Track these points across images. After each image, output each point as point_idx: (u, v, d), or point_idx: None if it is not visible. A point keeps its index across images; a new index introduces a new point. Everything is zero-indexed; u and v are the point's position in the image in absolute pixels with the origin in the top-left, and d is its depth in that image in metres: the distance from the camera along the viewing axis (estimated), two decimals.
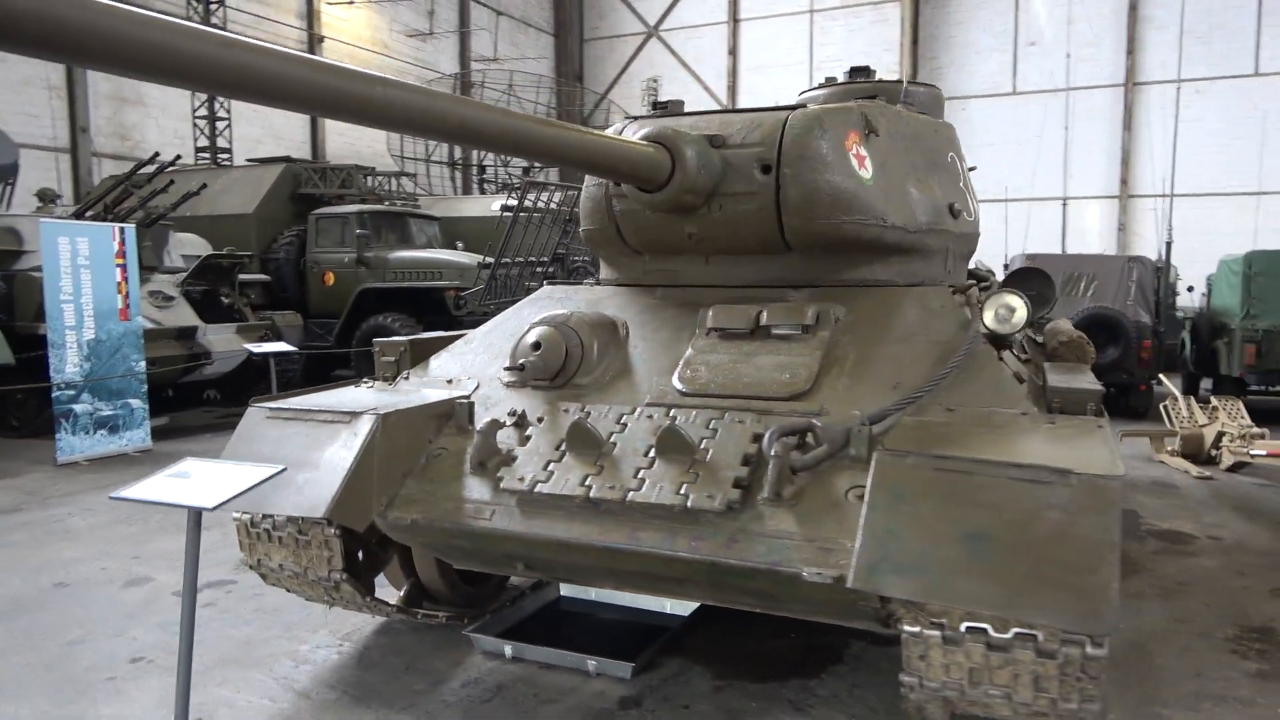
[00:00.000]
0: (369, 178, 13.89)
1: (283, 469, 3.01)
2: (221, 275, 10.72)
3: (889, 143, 3.99)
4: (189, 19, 15.42)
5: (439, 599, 4.18)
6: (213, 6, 15.42)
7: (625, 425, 3.26)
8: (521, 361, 3.61)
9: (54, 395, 7.78)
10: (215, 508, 2.75)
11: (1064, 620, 2.24)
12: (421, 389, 3.83)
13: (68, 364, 7.86)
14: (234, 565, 4.67)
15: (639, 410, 3.32)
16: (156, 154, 10.46)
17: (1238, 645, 4.00)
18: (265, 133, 18.16)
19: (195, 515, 2.89)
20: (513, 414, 3.45)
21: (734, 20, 25.61)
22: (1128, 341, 10.01)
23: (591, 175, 3.88)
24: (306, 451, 3.26)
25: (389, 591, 3.88)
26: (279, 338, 10.67)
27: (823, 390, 3.27)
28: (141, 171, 10.24)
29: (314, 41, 19.04)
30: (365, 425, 3.24)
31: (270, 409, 3.48)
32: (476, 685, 3.55)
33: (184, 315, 9.96)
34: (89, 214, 10.18)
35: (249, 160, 14.41)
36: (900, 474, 2.54)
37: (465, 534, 3.21)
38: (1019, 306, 3.46)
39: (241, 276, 11.22)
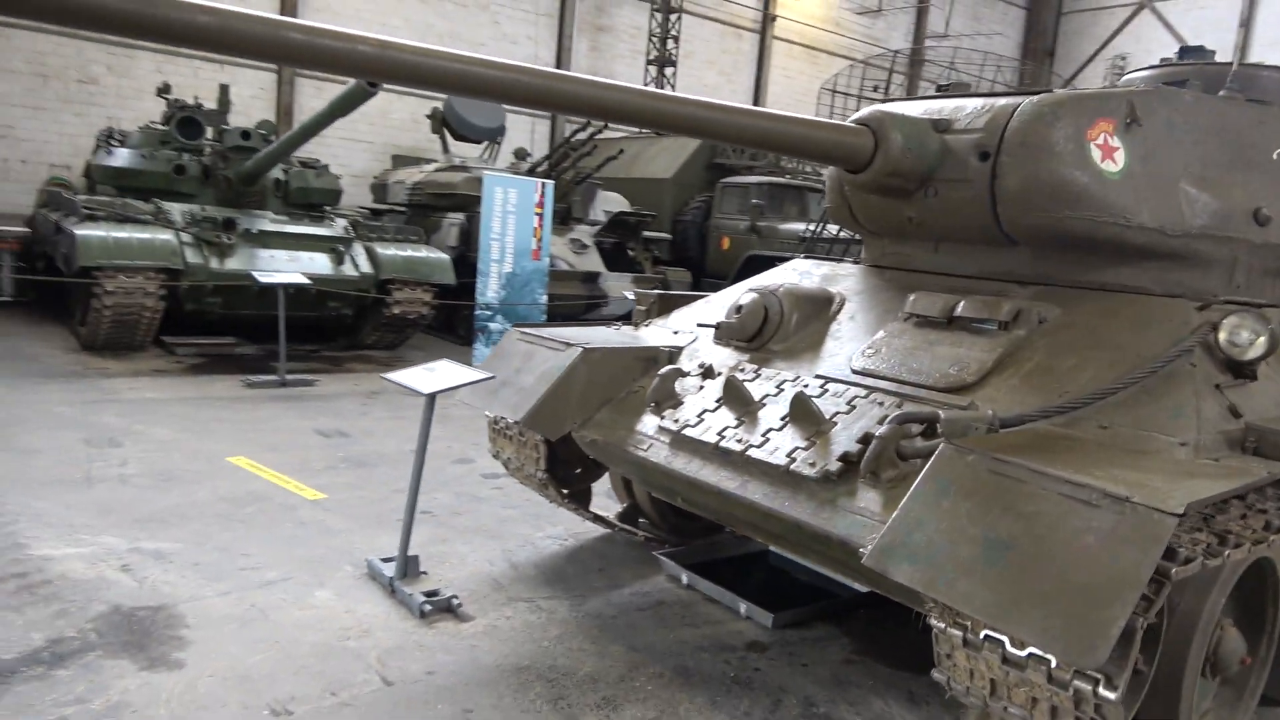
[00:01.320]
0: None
1: (490, 376, 3.79)
2: (629, 230, 12.22)
3: (1164, 133, 3.55)
4: None
5: (651, 521, 4.76)
6: None
7: (782, 390, 3.48)
8: (718, 321, 3.98)
9: (476, 313, 9.72)
10: (429, 394, 3.60)
11: (1047, 642, 2.10)
12: (648, 334, 4.36)
13: (489, 290, 9.74)
14: None
15: (801, 379, 3.51)
16: (588, 122, 12.16)
17: None
18: None
19: (430, 399, 3.78)
20: (702, 366, 3.84)
21: None
22: None
23: (786, 156, 4.05)
24: (531, 369, 3.98)
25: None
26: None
27: (986, 388, 3.17)
28: (578, 136, 12.02)
29: (766, 20, 20.15)
30: (571, 356, 3.87)
31: (520, 333, 4.27)
32: (643, 597, 4.06)
33: (592, 261, 11.62)
34: (539, 170, 12.25)
35: None
36: (954, 469, 2.50)
37: (628, 459, 3.70)
38: (1261, 333, 3.00)
39: (647, 234, 12.66)
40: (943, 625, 2.47)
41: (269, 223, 9.14)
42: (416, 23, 15.88)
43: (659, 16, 17.34)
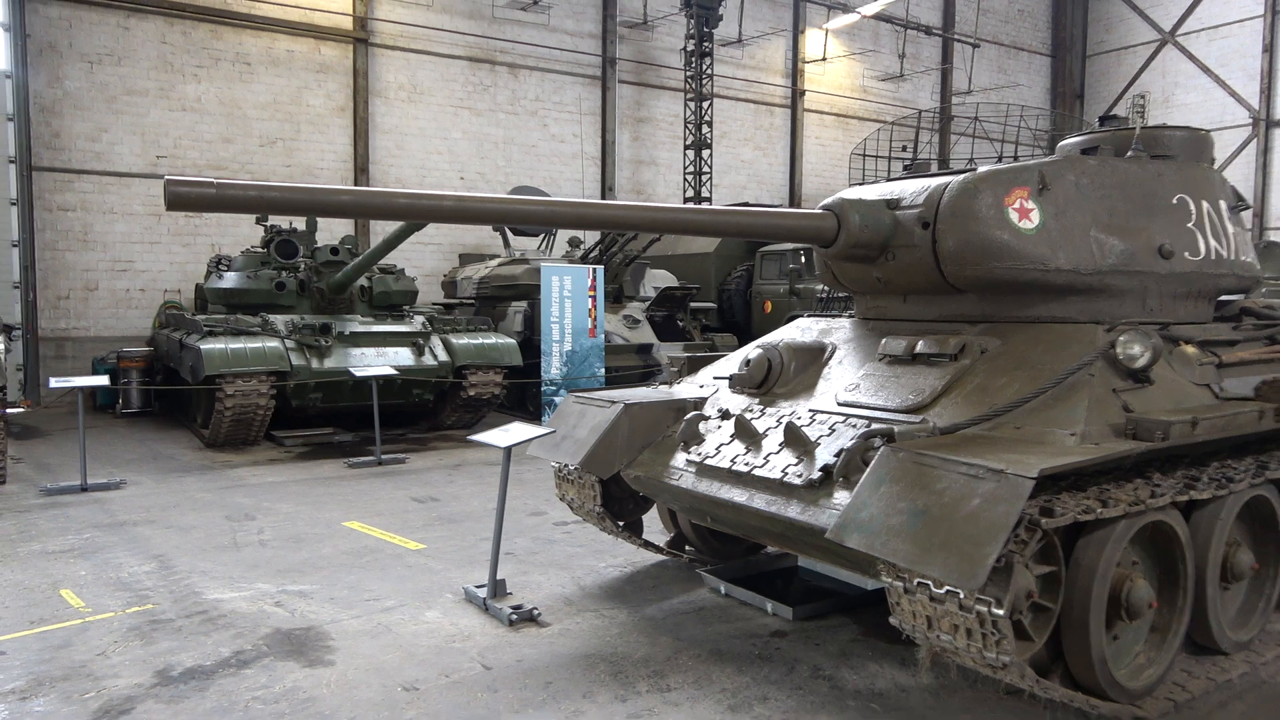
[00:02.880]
0: None
1: (552, 431, 4.78)
2: (676, 303, 13.27)
3: (1074, 193, 4.43)
4: (687, 88, 18.72)
5: (695, 546, 5.63)
6: (704, 80, 18.46)
7: (781, 422, 4.38)
8: (731, 374, 4.92)
9: (542, 389, 10.80)
10: (504, 446, 4.61)
11: (945, 575, 2.94)
12: (681, 389, 5.32)
13: (552, 367, 10.84)
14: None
15: (795, 413, 4.41)
16: None
17: None
18: (750, 179, 20.99)
19: (506, 451, 4.79)
20: (720, 410, 4.77)
21: (1273, 12, 22.22)
22: None
23: (771, 240, 5.00)
24: (585, 424, 4.95)
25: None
26: None
27: (937, 407, 4.03)
28: None
29: (796, 95, 21.40)
30: (616, 410, 4.83)
31: (575, 397, 5.26)
32: (688, 604, 4.92)
33: (645, 334, 12.66)
34: (591, 256, 13.46)
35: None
36: (889, 464, 3.38)
37: (664, 488, 4.62)
38: (1148, 347, 3.83)
39: (694, 304, 13.69)
40: (890, 580, 3.31)
41: (358, 324, 10.44)
42: (474, 133, 17.47)
43: (693, 105, 18.68)
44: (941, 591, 3.13)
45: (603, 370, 11.14)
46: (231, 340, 9.46)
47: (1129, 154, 4.76)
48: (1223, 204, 4.87)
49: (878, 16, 21.28)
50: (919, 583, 3.20)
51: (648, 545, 5.43)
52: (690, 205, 5.10)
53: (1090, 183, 4.49)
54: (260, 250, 11.35)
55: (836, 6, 20.96)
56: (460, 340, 10.70)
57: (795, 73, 21.39)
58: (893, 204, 4.61)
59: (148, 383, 12.55)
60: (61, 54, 13.75)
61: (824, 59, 21.20)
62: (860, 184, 5.27)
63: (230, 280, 10.89)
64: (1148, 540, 3.78)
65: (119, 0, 14.12)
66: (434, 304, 14.00)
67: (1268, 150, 22.34)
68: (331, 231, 14.30)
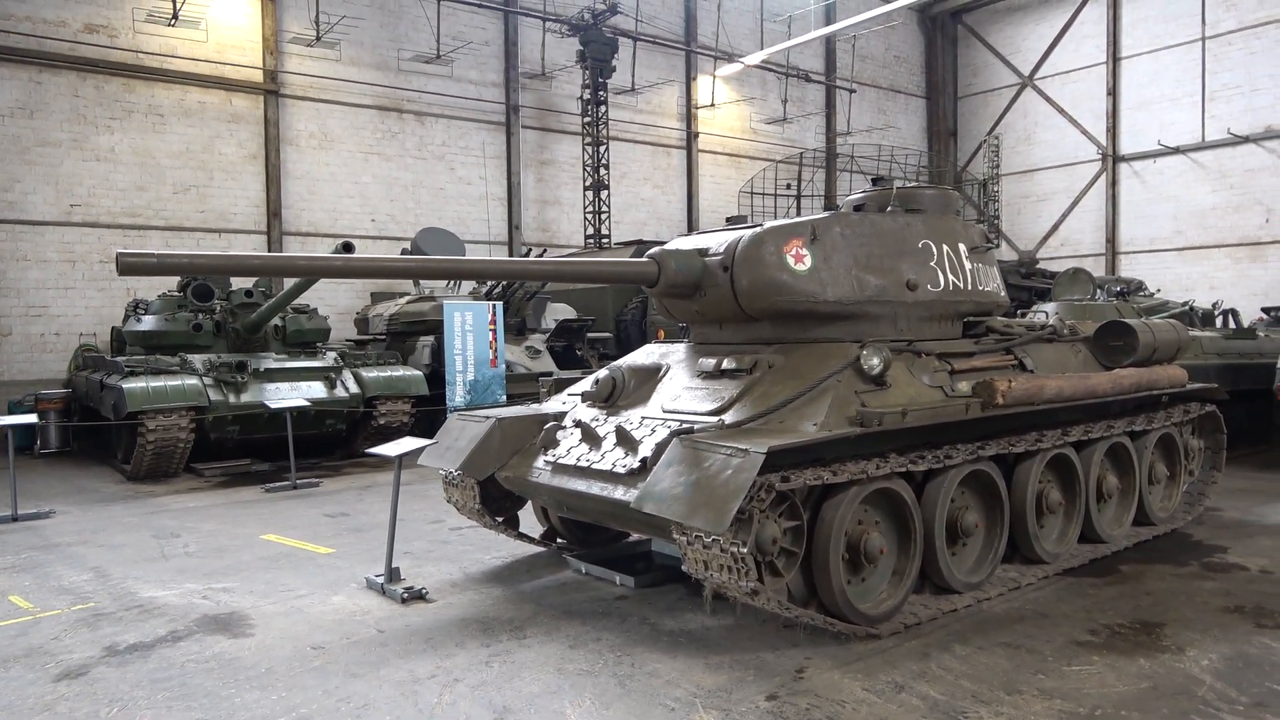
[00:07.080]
0: None
1: (435, 442, 5.82)
2: (575, 334, 14.40)
3: (840, 241, 5.71)
4: (585, 133, 20.00)
5: (564, 538, 6.71)
6: (601, 126, 19.79)
7: (617, 427, 5.51)
8: (583, 392, 6.05)
9: (448, 415, 11.75)
10: (394, 455, 5.63)
11: (705, 524, 4.09)
12: (547, 405, 6.42)
13: (457, 394, 11.82)
14: None
15: (629, 419, 5.55)
16: (531, 248, 14.47)
17: (1089, 634, 4.91)
18: (650, 216, 22.35)
19: (398, 459, 5.81)
20: (574, 420, 5.88)
21: (1114, 60, 24.73)
22: None
23: (605, 283, 6.16)
24: (464, 436, 6.00)
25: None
26: None
27: (731, 410, 5.21)
28: (530, 258, 14.32)
29: (690, 137, 22.92)
30: (489, 424, 5.90)
31: (458, 415, 6.30)
32: (553, 582, 5.99)
33: (545, 363, 13.73)
34: (496, 292, 14.49)
35: (616, 243, 18.37)
36: (677, 450, 4.53)
37: (529, 485, 5.70)
38: (880, 359, 5.08)
39: (591, 335, 14.84)
40: (678, 536, 4.45)
41: (273, 361, 11.26)
42: (383, 177, 18.39)
43: (590, 149, 19.96)
44: (709, 539, 4.28)
45: (505, 397, 12.15)
46: (152, 379, 10.20)
47: (889, 209, 6.08)
48: (962, 246, 6.22)
49: (762, 65, 22.99)
50: (696, 535, 4.35)
51: (522, 537, 6.49)
52: (534, 259, 6.17)
53: (853, 233, 5.78)
54: (177, 294, 12.07)
55: (723, 56, 22.59)
56: (370, 373, 11.60)
57: (689, 116, 22.93)
58: (703, 252, 5.83)
59: (63, 424, 13.05)
60: None
61: (713, 105, 22.78)
62: (745, 218, 6.54)
63: (148, 323, 11.59)
64: (885, 505, 5.02)
65: (31, 57, 14.72)
66: (346, 340, 14.85)
67: (1115, 182, 24.73)
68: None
